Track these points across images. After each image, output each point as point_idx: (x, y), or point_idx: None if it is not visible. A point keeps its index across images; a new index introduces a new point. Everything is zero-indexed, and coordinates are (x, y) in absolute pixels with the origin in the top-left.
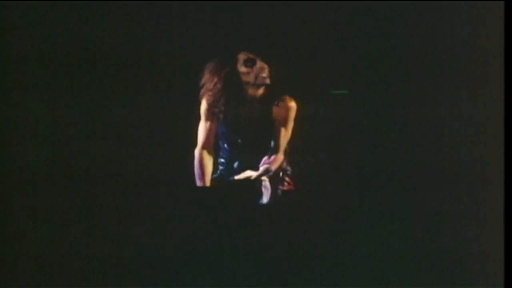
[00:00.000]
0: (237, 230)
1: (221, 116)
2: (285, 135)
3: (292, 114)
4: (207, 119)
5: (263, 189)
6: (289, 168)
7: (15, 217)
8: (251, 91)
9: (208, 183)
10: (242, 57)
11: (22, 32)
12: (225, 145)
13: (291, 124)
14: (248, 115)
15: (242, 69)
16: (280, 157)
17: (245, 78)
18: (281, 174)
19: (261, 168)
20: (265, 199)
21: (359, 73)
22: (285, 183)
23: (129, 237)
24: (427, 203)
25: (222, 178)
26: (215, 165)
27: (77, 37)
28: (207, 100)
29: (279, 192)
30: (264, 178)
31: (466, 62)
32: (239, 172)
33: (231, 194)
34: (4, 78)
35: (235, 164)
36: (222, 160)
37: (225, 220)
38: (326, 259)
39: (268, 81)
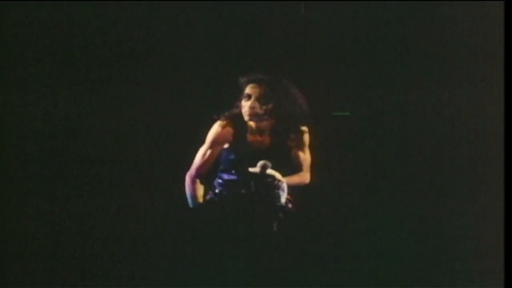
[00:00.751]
0: (233, 246)
1: (229, 141)
2: (305, 157)
3: (306, 139)
4: (211, 146)
5: (280, 192)
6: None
7: (14, 216)
8: (259, 123)
9: (200, 202)
10: (247, 90)
11: (22, 32)
12: (224, 176)
13: (306, 148)
14: (260, 146)
15: (250, 101)
16: (306, 174)
17: (253, 111)
18: None
19: (258, 164)
20: (282, 200)
21: (356, 76)
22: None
23: (128, 238)
24: (427, 204)
25: (218, 201)
26: (206, 190)
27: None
28: (220, 125)
29: (281, 215)
30: (281, 179)
31: (466, 62)
32: (235, 196)
33: (225, 215)
34: (4, 77)
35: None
36: (217, 191)
37: (221, 241)
38: (327, 277)
39: (271, 112)
